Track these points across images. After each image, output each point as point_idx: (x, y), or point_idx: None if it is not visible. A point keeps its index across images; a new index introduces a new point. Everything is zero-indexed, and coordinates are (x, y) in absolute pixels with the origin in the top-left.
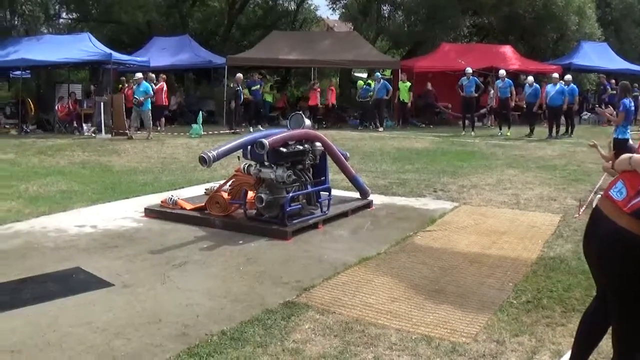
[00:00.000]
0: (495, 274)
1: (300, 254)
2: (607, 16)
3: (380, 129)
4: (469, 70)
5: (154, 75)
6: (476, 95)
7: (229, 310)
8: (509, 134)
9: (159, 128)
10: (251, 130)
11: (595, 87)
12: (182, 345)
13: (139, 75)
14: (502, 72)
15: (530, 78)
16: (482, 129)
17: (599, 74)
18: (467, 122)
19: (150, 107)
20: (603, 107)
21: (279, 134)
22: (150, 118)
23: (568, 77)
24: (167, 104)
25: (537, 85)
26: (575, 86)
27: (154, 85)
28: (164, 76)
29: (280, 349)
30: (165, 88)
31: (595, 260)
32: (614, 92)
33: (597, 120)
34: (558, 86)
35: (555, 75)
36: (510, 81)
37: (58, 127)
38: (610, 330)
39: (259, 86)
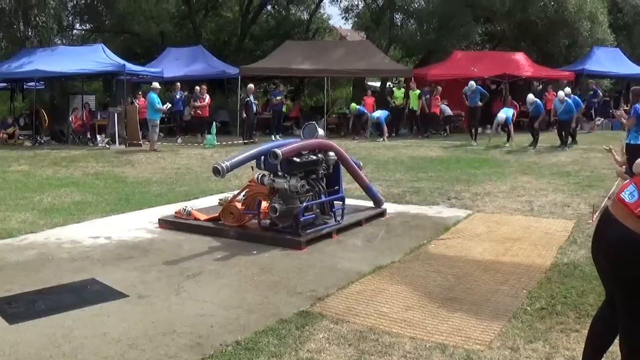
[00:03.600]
0: (509, 281)
1: (314, 264)
2: (618, 21)
3: (381, 140)
4: (472, 83)
5: (157, 84)
6: (481, 104)
7: (243, 320)
8: (507, 145)
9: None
10: (273, 138)
11: (586, 92)
12: (197, 356)
13: (156, 84)
14: (530, 97)
15: (530, 96)
16: (494, 138)
17: (610, 79)
18: (479, 130)
19: (154, 118)
20: (592, 112)
21: (292, 143)
22: (154, 130)
23: (567, 90)
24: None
25: (539, 101)
26: (577, 97)
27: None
28: (205, 87)
29: (295, 359)
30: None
31: (604, 262)
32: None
33: (610, 126)
34: (565, 104)
35: (561, 93)
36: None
37: (72, 138)
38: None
39: (281, 97)
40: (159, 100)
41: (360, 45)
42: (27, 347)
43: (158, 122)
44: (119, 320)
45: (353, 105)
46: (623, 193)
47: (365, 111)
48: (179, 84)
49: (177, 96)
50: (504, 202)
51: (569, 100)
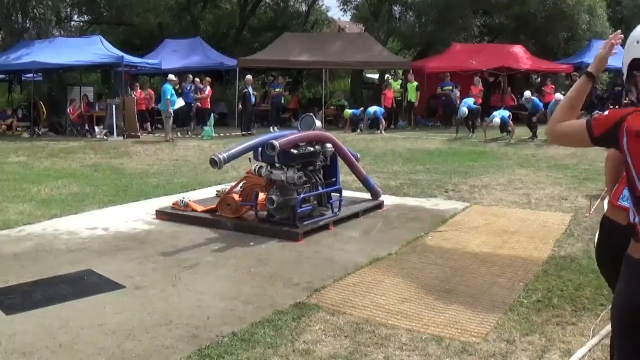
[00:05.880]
0: (505, 273)
1: (311, 255)
2: (617, 15)
3: (379, 132)
4: (464, 110)
5: (173, 76)
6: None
7: (240, 311)
8: (511, 140)
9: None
10: (271, 130)
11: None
12: (193, 347)
13: (172, 76)
14: (527, 94)
15: (527, 93)
16: (491, 130)
17: (609, 72)
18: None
19: (167, 109)
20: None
21: (289, 135)
22: (169, 121)
23: (558, 95)
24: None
25: (535, 99)
26: None
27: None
28: (209, 79)
29: (291, 350)
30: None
31: (613, 270)
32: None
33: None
34: None
35: (558, 95)
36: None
37: (70, 129)
38: None
39: (280, 89)
40: (173, 92)
41: (359, 38)
42: (23, 338)
43: (172, 113)
44: (115, 311)
45: (347, 111)
46: (620, 200)
47: (359, 112)
48: (190, 75)
49: (188, 87)
50: (502, 194)
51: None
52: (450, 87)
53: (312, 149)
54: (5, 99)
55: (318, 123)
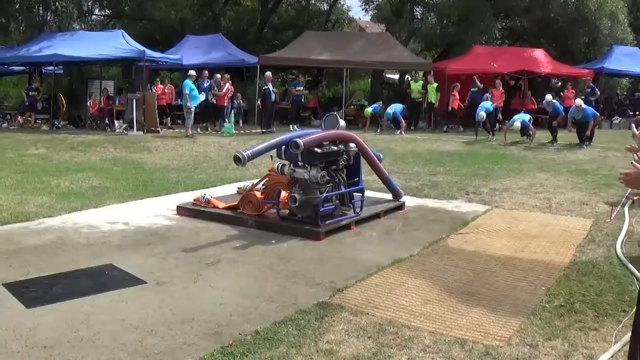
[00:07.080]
0: (527, 277)
1: (333, 255)
2: (639, 21)
3: (399, 133)
4: (482, 115)
5: (194, 72)
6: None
7: (262, 309)
8: (530, 144)
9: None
10: (291, 129)
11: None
12: (216, 344)
13: (192, 72)
14: (548, 97)
15: (548, 97)
16: (511, 133)
17: (629, 78)
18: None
19: (189, 104)
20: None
21: (313, 134)
22: (190, 117)
23: (578, 101)
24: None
25: (556, 102)
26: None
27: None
28: (228, 76)
29: (314, 350)
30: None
31: None
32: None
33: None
34: (581, 113)
35: (578, 101)
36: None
37: (90, 123)
38: None
39: (302, 87)
40: (192, 87)
41: (380, 38)
42: (44, 332)
43: (193, 109)
44: (137, 307)
45: (367, 110)
46: None
47: (379, 108)
48: (206, 71)
49: (205, 84)
50: (522, 198)
51: (586, 108)
52: (476, 89)
53: (335, 148)
54: (24, 91)
55: (342, 122)
